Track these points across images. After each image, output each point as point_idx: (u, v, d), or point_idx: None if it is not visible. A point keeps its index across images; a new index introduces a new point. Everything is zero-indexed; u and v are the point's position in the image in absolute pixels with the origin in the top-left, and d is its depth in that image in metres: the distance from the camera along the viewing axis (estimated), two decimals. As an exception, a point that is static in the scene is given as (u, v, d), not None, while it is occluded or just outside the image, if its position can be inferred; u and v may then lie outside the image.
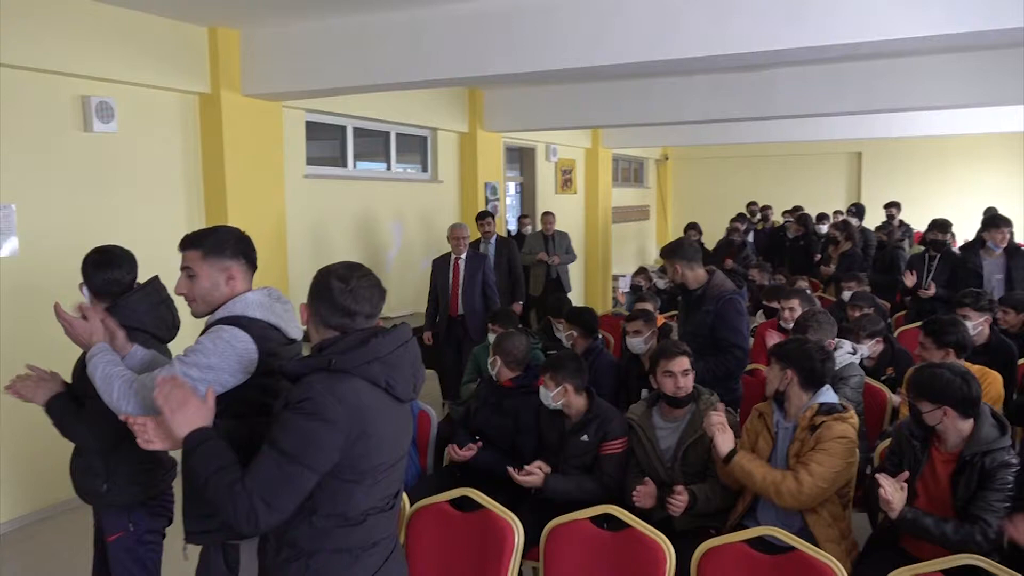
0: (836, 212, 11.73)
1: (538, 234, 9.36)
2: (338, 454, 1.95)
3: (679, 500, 3.25)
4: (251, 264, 2.44)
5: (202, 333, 2.34)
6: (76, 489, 2.92)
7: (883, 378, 4.73)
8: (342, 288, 2.06)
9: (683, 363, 3.54)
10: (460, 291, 6.82)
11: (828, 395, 3.30)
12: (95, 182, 5.34)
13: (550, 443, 3.81)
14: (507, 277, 7.87)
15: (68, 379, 2.89)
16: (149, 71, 5.47)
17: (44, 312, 4.73)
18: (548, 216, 9.34)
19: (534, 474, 3.51)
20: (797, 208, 11.36)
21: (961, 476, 2.92)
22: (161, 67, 5.55)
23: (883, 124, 11.15)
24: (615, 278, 12.98)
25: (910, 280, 6.63)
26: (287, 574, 2.04)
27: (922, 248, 7.25)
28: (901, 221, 10.73)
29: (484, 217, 8.06)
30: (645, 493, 3.36)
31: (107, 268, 2.87)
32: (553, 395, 3.70)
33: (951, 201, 12.95)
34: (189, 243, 2.40)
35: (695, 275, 4.38)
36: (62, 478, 4.48)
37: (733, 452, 3.20)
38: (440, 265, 6.96)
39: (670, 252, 4.43)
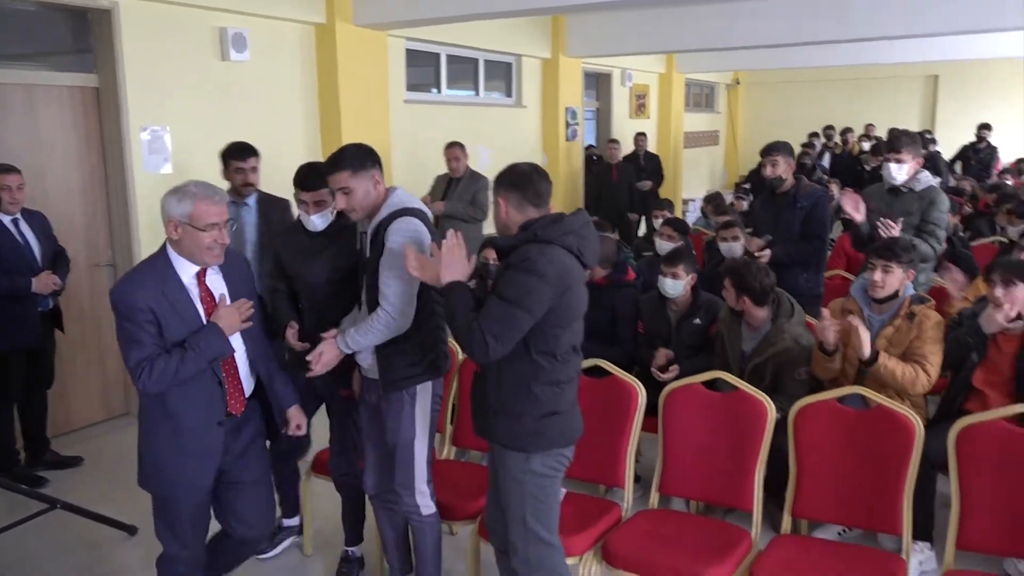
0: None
1: (444, 176, 6.86)
2: (549, 303, 2.47)
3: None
4: (381, 168, 2.90)
5: (374, 236, 2.83)
6: None
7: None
8: (537, 177, 2.61)
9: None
10: None
11: (910, 287, 3.76)
12: (231, 106, 5.92)
13: (659, 331, 4.37)
14: None
15: None
16: (275, 3, 5.99)
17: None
18: (452, 148, 6.70)
19: (671, 370, 4.07)
20: (870, 128, 11.43)
21: None
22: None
23: (963, 46, 10.92)
24: (685, 202, 13.29)
25: None
26: (515, 399, 2.58)
27: None
28: (988, 143, 10.69)
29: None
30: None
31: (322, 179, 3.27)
32: (684, 283, 4.23)
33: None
34: (334, 167, 2.82)
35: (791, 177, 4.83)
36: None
37: (876, 354, 3.53)
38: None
39: (781, 147, 4.81)
